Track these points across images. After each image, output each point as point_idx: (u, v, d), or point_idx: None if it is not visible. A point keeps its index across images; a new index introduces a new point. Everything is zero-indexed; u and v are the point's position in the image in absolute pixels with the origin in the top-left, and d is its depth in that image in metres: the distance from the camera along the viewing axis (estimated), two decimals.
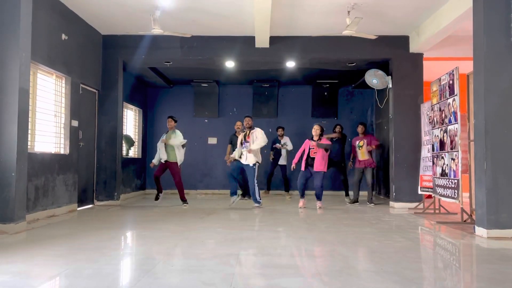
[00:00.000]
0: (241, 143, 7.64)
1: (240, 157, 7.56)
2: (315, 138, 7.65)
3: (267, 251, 4.10)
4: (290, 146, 9.73)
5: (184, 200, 7.85)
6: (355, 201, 8.43)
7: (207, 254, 3.87)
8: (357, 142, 8.38)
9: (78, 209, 7.18)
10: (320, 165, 7.51)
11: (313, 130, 7.70)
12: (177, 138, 7.67)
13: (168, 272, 3.26)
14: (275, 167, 9.89)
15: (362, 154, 8.29)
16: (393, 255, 3.89)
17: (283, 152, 9.74)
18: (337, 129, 9.15)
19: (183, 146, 7.77)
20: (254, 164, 7.44)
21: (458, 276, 3.47)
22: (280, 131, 9.85)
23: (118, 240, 4.69)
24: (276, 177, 10.17)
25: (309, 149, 7.63)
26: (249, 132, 7.63)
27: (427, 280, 3.23)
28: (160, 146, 7.75)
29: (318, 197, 7.67)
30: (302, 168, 7.66)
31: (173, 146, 7.62)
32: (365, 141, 8.31)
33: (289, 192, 9.86)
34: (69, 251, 3.97)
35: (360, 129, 8.48)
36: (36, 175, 5.86)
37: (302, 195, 7.75)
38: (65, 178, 6.66)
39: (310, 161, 7.59)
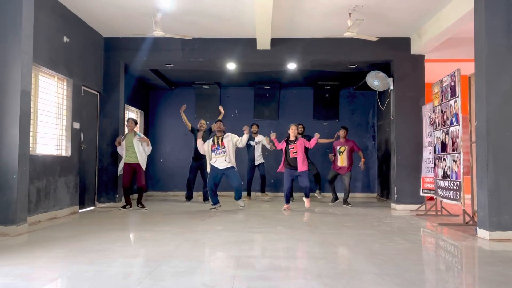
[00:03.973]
0: (212, 149, 7.36)
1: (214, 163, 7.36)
2: (292, 138, 7.43)
3: (269, 253, 4.10)
4: (268, 144, 8.93)
5: (142, 203, 7.57)
6: (335, 199, 8.46)
7: (208, 256, 3.86)
8: (338, 147, 8.31)
9: (80, 211, 7.19)
10: (303, 165, 7.37)
11: (291, 130, 7.42)
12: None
13: (169, 274, 3.26)
14: (254, 171, 9.44)
15: (342, 160, 8.21)
16: (395, 257, 3.89)
17: (257, 150, 9.29)
18: (300, 129, 8.76)
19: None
20: (234, 167, 7.40)
21: (460, 279, 3.46)
22: (254, 128, 9.36)
23: (119, 242, 4.68)
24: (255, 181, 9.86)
25: (288, 149, 7.42)
26: (222, 137, 7.39)
27: (429, 282, 3.22)
28: (121, 149, 7.45)
29: (307, 195, 7.53)
30: (282, 169, 7.48)
31: (136, 148, 7.37)
32: (347, 147, 8.26)
33: (266, 192, 9.56)
34: (70, 253, 3.97)
35: (342, 133, 8.35)
36: (38, 177, 5.88)
37: (288, 201, 7.60)
38: (66, 180, 6.67)
39: (291, 162, 7.39)
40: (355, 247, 4.36)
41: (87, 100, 7.61)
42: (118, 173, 7.60)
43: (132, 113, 10.17)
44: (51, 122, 6.48)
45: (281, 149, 7.56)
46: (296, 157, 7.39)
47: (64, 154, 6.74)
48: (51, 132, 6.49)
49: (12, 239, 4.68)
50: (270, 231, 5.38)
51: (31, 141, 5.61)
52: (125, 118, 8.87)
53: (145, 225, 5.82)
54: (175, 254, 3.93)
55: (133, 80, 9.85)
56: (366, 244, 4.50)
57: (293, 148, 7.42)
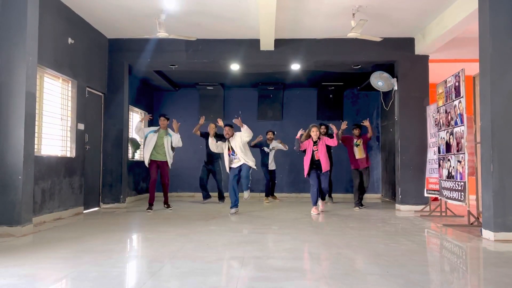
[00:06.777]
0: (229, 155, 7.25)
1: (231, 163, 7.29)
2: (315, 139, 7.15)
3: (272, 254, 4.10)
4: (284, 147, 9.21)
5: (168, 204, 7.82)
6: (361, 204, 8.13)
7: (212, 257, 3.87)
8: (355, 141, 8.14)
9: (84, 212, 7.21)
10: (327, 165, 7.17)
11: (312, 132, 7.13)
12: (178, 141, 7.68)
13: (173, 275, 3.26)
14: (270, 173, 9.42)
15: (359, 152, 8.06)
16: (399, 258, 3.87)
17: (270, 157, 9.31)
18: (323, 130, 8.38)
19: (172, 149, 7.69)
20: (246, 163, 7.20)
21: (465, 280, 3.44)
22: (270, 135, 9.35)
23: (123, 243, 4.70)
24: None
25: (312, 152, 7.15)
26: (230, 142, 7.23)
27: (433, 283, 3.21)
28: (149, 144, 7.44)
29: (323, 198, 7.36)
30: (306, 174, 7.23)
31: (166, 147, 7.51)
32: (362, 140, 8.12)
33: (274, 195, 9.59)
34: (75, 254, 3.99)
35: (356, 132, 8.18)
36: (43, 178, 5.90)
37: (316, 203, 7.29)
38: (71, 181, 6.70)
39: (316, 164, 7.16)
40: (359, 248, 4.35)
41: (92, 101, 7.63)
42: (147, 165, 7.49)
43: (136, 114, 10.21)
44: (55, 123, 6.51)
45: (305, 149, 7.22)
46: (319, 159, 7.14)
47: (68, 155, 6.77)
48: (56, 133, 6.52)
49: (17, 239, 4.70)
50: (273, 232, 5.38)
51: (36, 142, 5.64)
52: (129, 119, 8.91)
53: (149, 226, 5.84)
54: (179, 255, 3.94)
55: (137, 81, 9.89)
56: (370, 245, 4.48)
57: (317, 150, 7.14)
